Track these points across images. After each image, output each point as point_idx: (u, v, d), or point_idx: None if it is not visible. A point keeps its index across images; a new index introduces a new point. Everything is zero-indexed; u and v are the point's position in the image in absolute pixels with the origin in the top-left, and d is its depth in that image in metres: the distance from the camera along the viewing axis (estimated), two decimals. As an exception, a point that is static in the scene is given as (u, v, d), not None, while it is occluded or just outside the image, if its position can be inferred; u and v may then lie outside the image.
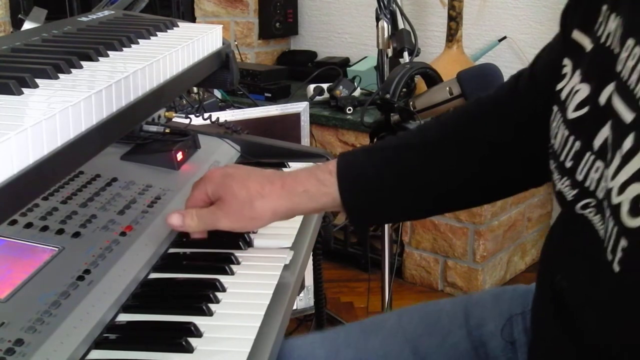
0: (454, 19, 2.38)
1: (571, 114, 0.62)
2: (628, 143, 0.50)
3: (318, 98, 2.52)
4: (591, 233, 0.56)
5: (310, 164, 1.17)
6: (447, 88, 1.28)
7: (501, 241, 2.42)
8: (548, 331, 0.69)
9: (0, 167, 0.54)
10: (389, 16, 1.77)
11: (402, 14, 1.80)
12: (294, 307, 1.68)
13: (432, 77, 1.37)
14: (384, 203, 0.88)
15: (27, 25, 1.31)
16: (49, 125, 0.61)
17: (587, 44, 0.64)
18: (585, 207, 0.58)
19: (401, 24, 1.80)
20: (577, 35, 0.67)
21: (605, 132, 0.56)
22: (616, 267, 0.49)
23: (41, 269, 0.74)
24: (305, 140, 1.96)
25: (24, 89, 0.68)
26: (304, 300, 1.98)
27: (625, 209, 0.48)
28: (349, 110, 2.43)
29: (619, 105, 0.53)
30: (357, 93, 2.53)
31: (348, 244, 2.59)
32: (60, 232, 0.81)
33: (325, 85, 2.53)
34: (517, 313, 0.87)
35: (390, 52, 1.80)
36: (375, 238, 2.48)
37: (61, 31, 0.96)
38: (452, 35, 2.39)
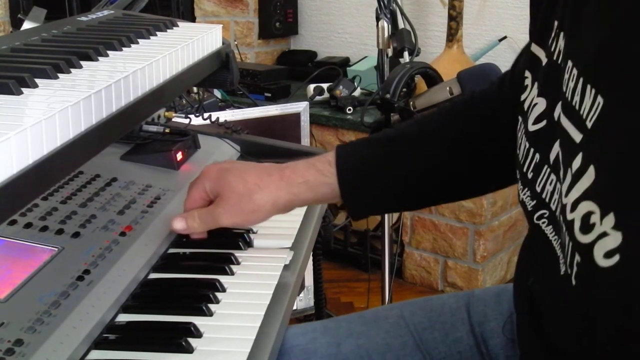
0: (454, 19, 2.38)
1: (531, 127, 0.64)
2: (577, 162, 0.51)
3: (318, 98, 2.52)
4: (547, 244, 0.58)
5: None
6: (448, 88, 1.27)
7: (501, 241, 2.42)
8: (524, 329, 0.69)
9: (0, 167, 0.54)
10: (389, 16, 1.77)
11: (402, 13, 1.80)
12: (294, 307, 1.68)
13: (432, 77, 1.37)
14: (381, 193, 0.88)
15: (27, 25, 1.31)
16: (49, 125, 0.61)
17: (542, 57, 0.66)
18: (540, 217, 0.59)
19: (401, 24, 1.80)
20: (535, 49, 0.69)
21: (557, 148, 0.57)
22: (573, 281, 0.50)
23: (41, 269, 0.74)
24: (305, 140, 1.95)
25: (23, 89, 0.68)
26: (304, 300, 1.98)
27: (577, 225, 0.49)
28: (349, 110, 2.43)
29: (567, 125, 0.54)
30: (357, 93, 2.53)
31: (348, 244, 2.59)
32: (59, 232, 0.81)
33: (325, 85, 2.53)
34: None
35: (390, 52, 1.80)
36: (375, 238, 2.48)
37: (61, 31, 0.96)
38: (453, 35, 2.39)
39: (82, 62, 0.80)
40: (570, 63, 0.56)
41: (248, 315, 0.74)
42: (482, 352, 0.88)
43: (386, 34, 1.75)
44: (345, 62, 2.96)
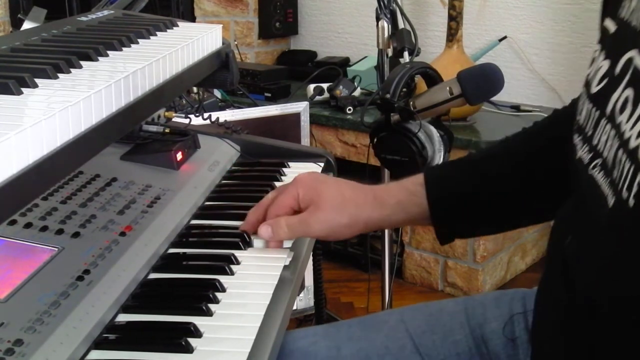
0: (454, 19, 2.38)
1: (594, 89, 0.67)
2: None
3: (318, 98, 2.52)
4: (596, 189, 0.62)
5: (311, 164, 1.18)
6: (448, 88, 1.27)
7: (501, 241, 2.42)
8: (555, 298, 0.70)
9: (0, 167, 0.54)
10: (389, 16, 1.76)
11: (403, 13, 1.79)
12: (294, 307, 1.68)
13: (432, 77, 1.36)
14: (470, 214, 0.89)
15: (27, 25, 1.31)
16: (49, 125, 0.61)
17: (612, 26, 0.69)
18: (594, 167, 0.63)
19: (401, 24, 1.80)
20: (607, 22, 0.71)
21: (614, 98, 0.61)
22: (631, 202, 0.54)
23: (41, 269, 0.74)
24: (305, 140, 1.95)
25: (23, 89, 0.68)
26: (304, 300, 1.98)
27: None
28: (349, 110, 2.43)
29: None
30: (357, 93, 2.53)
31: (348, 244, 2.59)
32: (59, 232, 0.81)
33: (325, 85, 2.53)
34: (519, 312, 0.89)
35: (390, 51, 1.79)
36: (375, 238, 2.48)
37: (61, 31, 0.96)
38: (453, 35, 2.39)
39: (82, 62, 0.80)
40: None
41: (248, 315, 0.74)
42: (483, 353, 0.89)
43: (386, 34, 1.75)
44: (345, 62, 2.96)
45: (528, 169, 0.88)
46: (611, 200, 0.57)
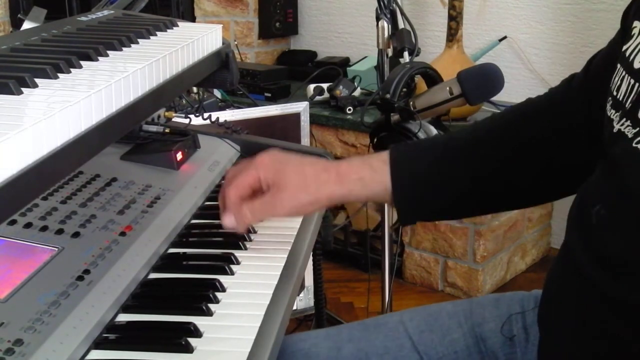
0: (454, 19, 2.38)
1: (637, 64, 0.68)
2: None
3: (318, 98, 2.52)
4: (637, 165, 0.64)
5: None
6: (448, 88, 1.27)
7: (501, 241, 2.42)
8: (570, 271, 0.72)
9: (0, 167, 0.54)
10: (389, 16, 1.76)
11: (402, 13, 1.79)
12: (294, 307, 1.68)
13: (432, 77, 1.37)
14: (431, 197, 0.88)
15: (27, 25, 1.31)
16: (49, 125, 0.61)
17: None
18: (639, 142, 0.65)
19: (401, 24, 1.80)
20: None
21: None
22: None
23: (41, 269, 0.74)
24: (305, 140, 1.95)
25: (23, 89, 0.68)
26: (304, 300, 1.98)
27: None
28: (349, 110, 2.43)
29: None
30: (357, 93, 2.53)
31: (348, 244, 2.59)
32: (59, 232, 0.81)
33: (325, 85, 2.53)
34: (517, 312, 0.90)
35: (390, 51, 1.79)
36: (375, 238, 2.48)
37: (61, 31, 0.96)
38: (453, 35, 2.39)
39: (82, 62, 0.80)
40: None
41: (248, 315, 0.74)
42: (481, 351, 0.90)
43: (386, 34, 1.75)
44: (345, 62, 2.96)
45: (492, 154, 0.88)
46: None
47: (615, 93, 0.71)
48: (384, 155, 0.87)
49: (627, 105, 0.68)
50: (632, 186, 0.64)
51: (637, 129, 0.66)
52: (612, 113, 0.71)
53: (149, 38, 0.99)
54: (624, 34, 0.75)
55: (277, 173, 0.85)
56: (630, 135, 0.66)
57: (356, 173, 0.87)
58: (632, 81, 0.68)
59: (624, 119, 0.68)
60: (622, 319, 0.65)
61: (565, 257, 0.75)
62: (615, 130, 0.69)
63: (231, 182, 0.87)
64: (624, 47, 0.72)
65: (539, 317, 0.80)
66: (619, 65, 0.73)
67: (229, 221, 0.85)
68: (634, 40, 0.71)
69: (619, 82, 0.71)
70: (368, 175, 0.86)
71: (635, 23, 0.73)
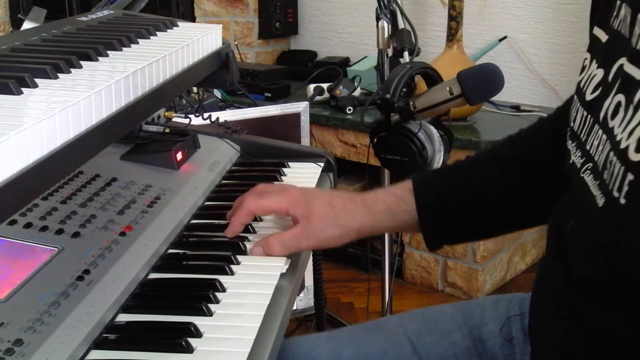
0: (454, 19, 2.38)
1: (589, 96, 0.69)
2: (638, 96, 0.58)
3: (318, 98, 2.52)
4: (586, 191, 0.64)
5: (311, 164, 1.18)
6: (448, 88, 1.27)
7: (501, 241, 2.42)
8: (549, 274, 0.72)
9: (0, 167, 0.54)
10: (389, 16, 1.76)
11: (402, 13, 1.79)
12: (294, 308, 1.68)
13: (432, 77, 1.36)
14: (457, 221, 0.90)
15: (27, 25, 1.32)
16: (49, 125, 0.61)
17: (602, 36, 0.70)
18: (585, 170, 0.65)
19: (401, 24, 1.80)
20: (596, 31, 0.72)
21: (607, 104, 0.63)
22: (622, 201, 0.55)
23: (41, 269, 0.74)
24: (305, 140, 1.95)
25: (23, 89, 0.68)
26: (304, 301, 1.98)
27: (632, 148, 0.56)
28: (349, 110, 2.43)
29: (632, 70, 0.61)
30: (357, 93, 2.53)
31: (348, 244, 2.58)
32: (59, 232, 0.81)
33: (325, 85, 2.53)
34: (516, 314, 0.90)
35: (390, 51, 1.79)
36: (375, 238, 2.48)
37: (61, 31, 0.96)
38: (453, 35, 2.38)
39: (82, 62, 0.80)
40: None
41: (248, 315, 0.74)
42: (480, 353, 0.90)
43: (386, 34, 1.75)
44: (345, 62, 2.96)
45: (513, 176, 0.89)
46: (600, 201, 0.58)
47: (572, 124, 0.72)
48: (408, 184, 0.89)
49: (581, 137, 0.68)
50: (585, 212, 0.63)
51: (584, 159, 0.66)
52: (569, 144, 0.72)
53: (149, 38, 0.99)
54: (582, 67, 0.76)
55: (305, 206, 0.87)
56: (578, 166, 0.67)
57: (383, 203, 0.88)
58: (585, 113, 0.69)
59: (578, 150, 0.69)
60: (600, 343, 0.63)
61: (543, 273, 0.75)
62: (571, 161, 0.70)
63: (257, 197, 0.89)
64: (579, 79, 0.73)
65: (529, 330, 0.80)
66: (575, 97, 0.73)
67: (257, 253, 0.87)
68: (586, 72, 0.72)
69: (574, 113, 0.72)
70: (394, 205, 0.88)
71: (586, 54, 0.74)
